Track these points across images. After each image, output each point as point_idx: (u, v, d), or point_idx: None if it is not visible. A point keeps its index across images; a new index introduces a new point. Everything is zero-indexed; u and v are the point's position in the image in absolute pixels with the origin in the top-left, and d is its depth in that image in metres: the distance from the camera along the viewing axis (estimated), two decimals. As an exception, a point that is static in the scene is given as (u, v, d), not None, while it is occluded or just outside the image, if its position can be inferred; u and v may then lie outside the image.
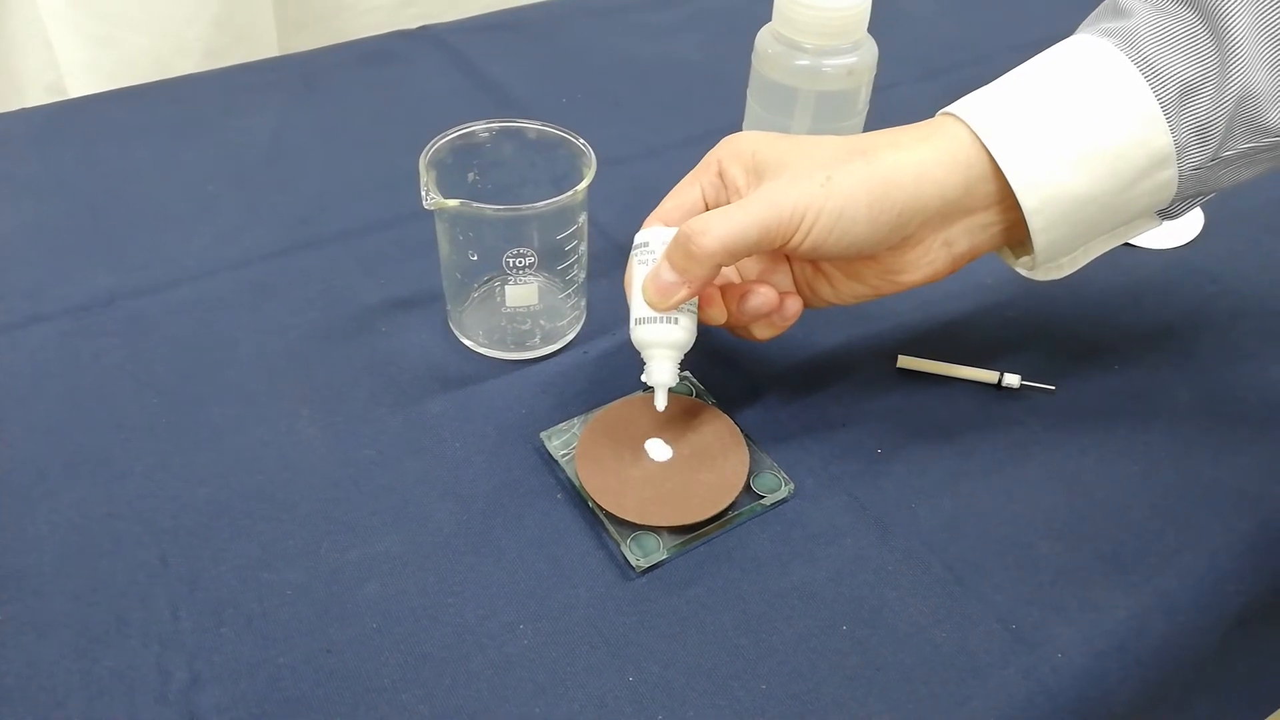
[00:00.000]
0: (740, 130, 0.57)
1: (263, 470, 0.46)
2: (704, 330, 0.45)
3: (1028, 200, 0.40)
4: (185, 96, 0.72)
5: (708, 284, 0.42)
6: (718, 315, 0.45)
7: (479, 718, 0.38)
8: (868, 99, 0.57)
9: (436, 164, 0.48)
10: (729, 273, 0.47)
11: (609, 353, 0.52)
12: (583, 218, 0.49)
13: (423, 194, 0.46)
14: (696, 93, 0.73)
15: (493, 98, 0.72)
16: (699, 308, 0.45)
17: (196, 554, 0.43)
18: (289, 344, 0.52)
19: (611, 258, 0.57)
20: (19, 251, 0.57)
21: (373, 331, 0.53)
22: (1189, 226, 0.61)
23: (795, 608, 0.41)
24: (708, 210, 0.44)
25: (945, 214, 0.42)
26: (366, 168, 0.65)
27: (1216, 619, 0.43)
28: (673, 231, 0.43)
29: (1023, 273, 0.46)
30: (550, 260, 0.49)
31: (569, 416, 0.48)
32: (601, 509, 0.44)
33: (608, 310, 0.54)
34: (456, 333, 0.53)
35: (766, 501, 0.45)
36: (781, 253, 0.45)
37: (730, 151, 0.45)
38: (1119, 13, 0.41)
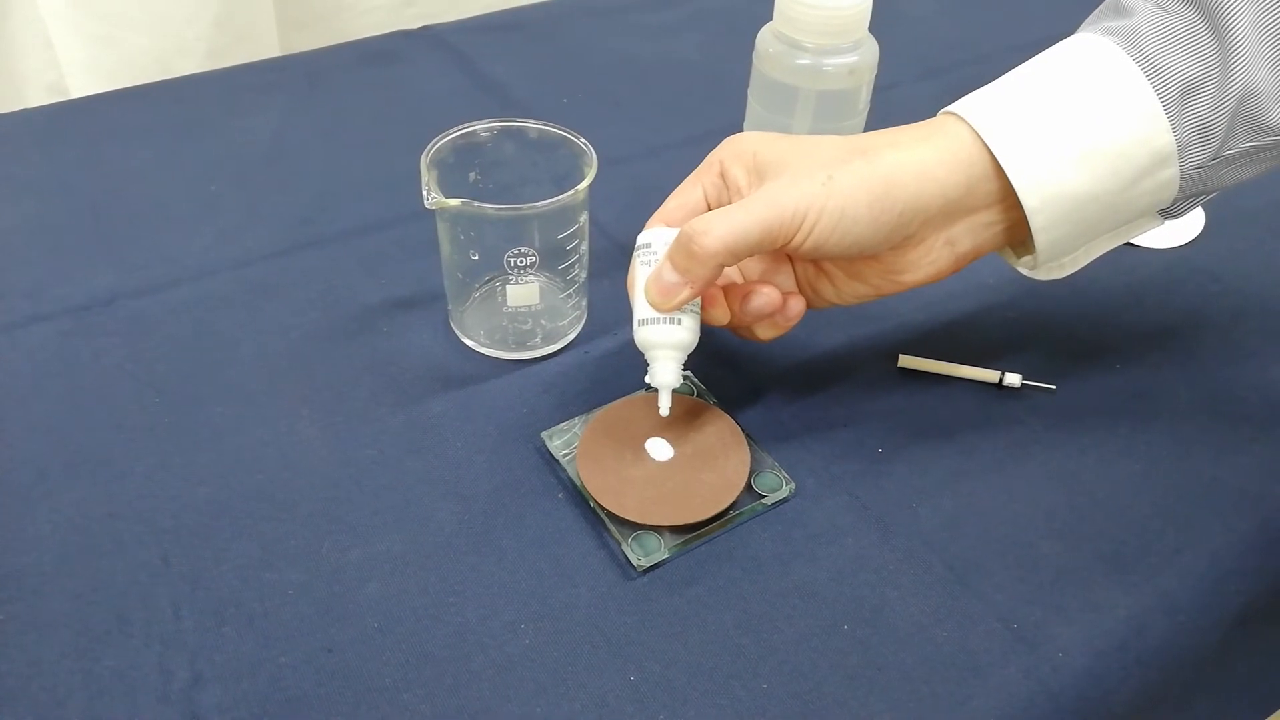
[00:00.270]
0: (741, 130, 0.57)
1: (264, 470, 0.46)
2: (705, 330, 0.45)
3: (1029, 199, 0.40)
4: (186, 96, 0.72)
5: (710, 284, 0.42)
6: (720, 316, 0.45)
7: (480, 717, 0.38)
8: (869, 98, 0.57)
9: (438, 163, 0.48)
10: (731, 273, 0.47)
11: (610, 352, 0.52)
12: (584, 217, 0.49)
13: (424, 193, 0.46)
14: (697, 92, 0.73)
15: (494, 98, 0.72)
16: (702, 308, 0.45)
17: (198, 553, 0.43)
18: (290, 344, 0.52)
19: (613, 257, 0.57)
20: (19, 251, 0.57)
21: (374, 331, 0.53)
22: (1190, 226, 0.61)
23: (796, 607, 0.41)
24: (710, 211, 0.44)
25: (947, 213, 0.42)
26: (368, 168, 0.65)
27: (1217, 619, 0.43)
28: (675, 232, 0.43)
29: (1024, 272, 0.46)
30: (551, 260, 0.49)
31: (570, 416, 0.48)
32: (603, 508, 0.44)
33: (609, 310, 0.54)
34: (458, 332, 0.53)
35: (768, 501, 0.45)
36: (784, 253, 0.45)
37: (732, 152, 0.45)
38: (1120, 11, 0.41)
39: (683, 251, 0.41)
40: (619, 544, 0.43)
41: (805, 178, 0.41)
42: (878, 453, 0.48)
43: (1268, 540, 0.45)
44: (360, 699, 0.38)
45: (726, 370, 0.51)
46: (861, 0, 0.52)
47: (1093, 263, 0.46)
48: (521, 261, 0.48)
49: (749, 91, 0.58)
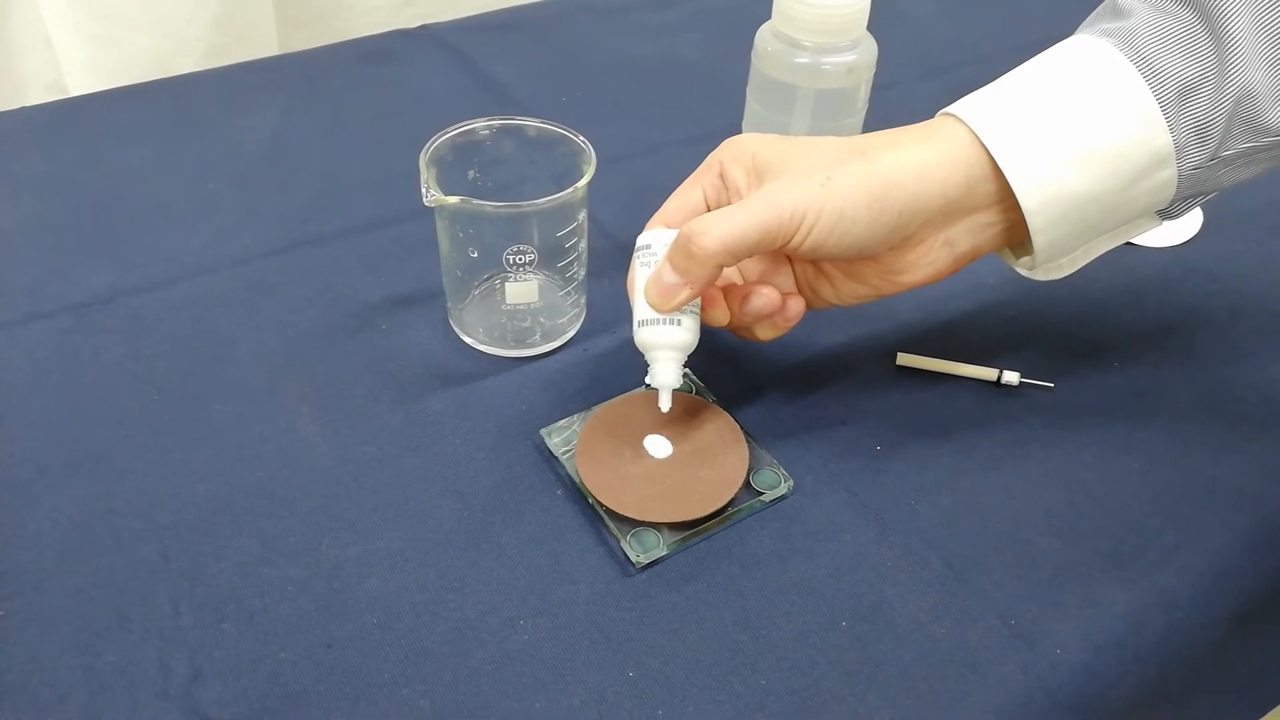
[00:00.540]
0: (740, 129, 0.57)
1: (263, 467, 0.46)
2: (705, 330, 0.45)
3: (1028, 200, 0.40)
4: (186, 95, 0.72)
5: (709, 285, 0.42)
6: (720, 316, 0.45)
7: (479, 713, 0.38)
8: (867, 97, 0.57)
9: (437, 161, 0.48)
10: (731, 274, 0.47)
11: (609, 350, 0.52)
12: (583, 215, 0.49)
13: (423, 191, 0.46)
14: (696, 92, 0.73)
15: (493, 97, 0.72)
16: (701, 309, 0.45)
17: (197, 550, 0.43)
18: (289, 341, 0.52)
19: (612, 256, 0.57)
20: (19, 249, 0.57)
21: (373, 329, 0.53)
22: (1188, 225, 0.61)
23: (795, 604, 0.41)
24: (709, 212, 0.44)
25: (946, 214, 0.42)
26: (367, 166, 0.65)
27: (1215, 616, 0.43)
28: (674, 233, 0.43)
29: (1023, 273, 0.46)
30: (550, 258, 0.49)
31: (569, 413, 0.48)
32: (601, 505, 0.44)
33: (608, 308, 0.54)
34: (457, 330, 0.53)
35: (766, 498, 0.45)
36: (783, 253, 0.45)
37: (731, 153, 0.45)
38: (1118, 13, 0.42)
39: (682, 252, 0.41)
40: (618, 541, 0.43)
41: (804, 179, 0.41)
42: (876, 450, 0.48)
43: (1266, 538, 0.45)
44: (359, 695, 0.38)
45: (726, 368, 0.51)
46: (860, -1, 0.53)
47: (1091, 262, 0.46)
48: (520, 259, 0.48)
49: (748, 90, 0.58)
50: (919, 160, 0.41)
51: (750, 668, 0.39)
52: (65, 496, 0.44)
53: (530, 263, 0.48)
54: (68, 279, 0.55)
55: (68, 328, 0.53)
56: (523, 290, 0.50)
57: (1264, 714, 0.51)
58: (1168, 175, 0.40)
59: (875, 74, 0.56)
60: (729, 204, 0.44)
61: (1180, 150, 0.40)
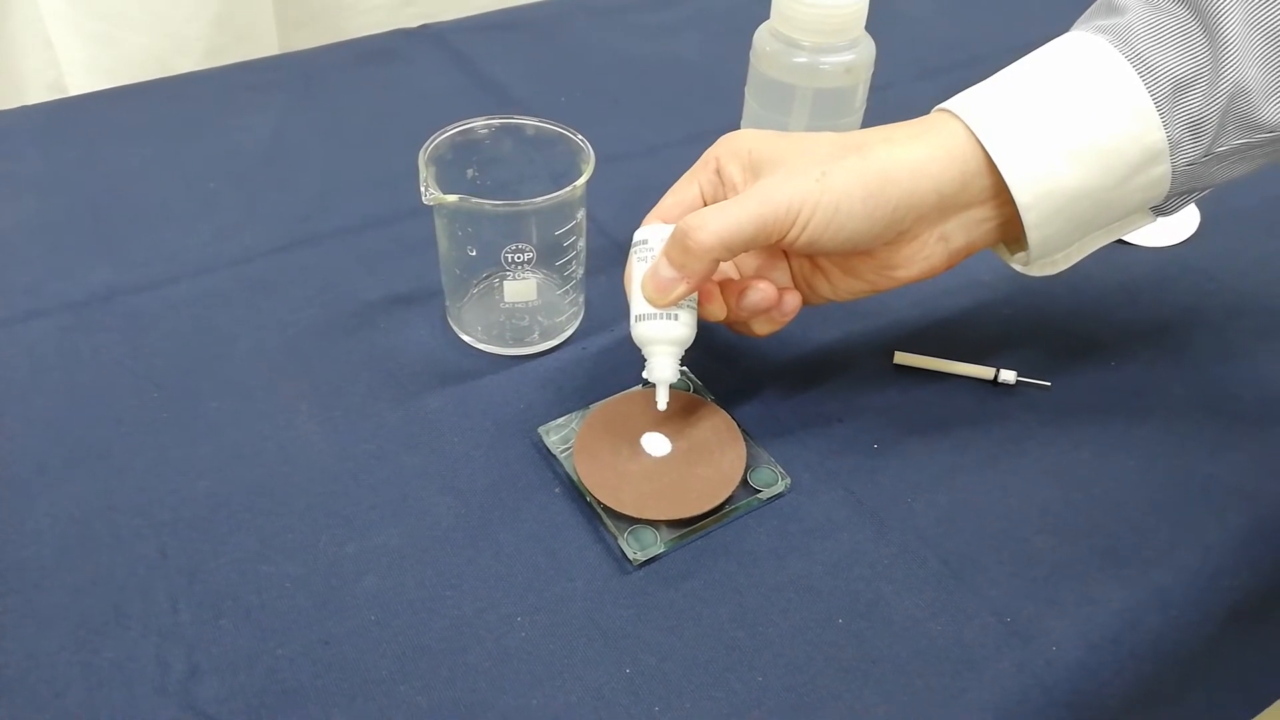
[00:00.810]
0: (738, 128, 0.57)
1: (262, 464, 0.46)
2: (702, 326, 0.45)
3: (1022, 196, 0.41)
4: (185, 95, 0.72)
5: (706, 279, 0.43)
6: (717, 311, 0.45)
7: (476, 709, 0.38)
8: (865, 97, 0.57)
9: (436, 160, 0.49)
10: (728, 269, 0.47)
11: (607, 349, 0.53)
12: (581, 213, 0.49)
13: (422, 189, 0.46)
14: (695, 91, 0.73)
15: (492, 96, 0.72)
16: (698, 304, 0.45)
17: (196, 547, 0.43)
18: (288, 340, 0.52)
19: (610, 255, 0.58)
20: (19, 247, 0.58)
21: (372, 327, 0.53)
22: (1185, 225, 0.61)
23: (791, 601, 0.42)
24: (706, 207, 0.44)
25: (941, 209, 0.42)
26: (366, 165, 0.65)
27: (1211, 613, 0.43)
28: (671, 228, 0.43)
29: (1018, 268, 0.46)
30: (549, 256, 0.49)
31: (567, 412, 0.48)
32: (599, 503, 0.44)
33: (606, 307, 0.54)
34: (455, 329, 0.53)
35: (763, 496, 0.45)
36: (779, 249, 0.45)
37: (728, 149, 0.45)
38: (1113, 10, 0.42)
39: (678, 247, 0.42)
40: (615, 538, 0.43)
41: (799, 174, 0.41)
42: (873, 448, 0.48)
43: (1261, 536, 0.45)
44: (357, 691, 0.38)
45: (723, 366, 0.51)
46: (858, -1, 0.53)
47: (1088, 261, 0.47)
48: (519, 258, 0.48)
49: (746, 90, 0.58)
50: (914, 156, 0.41)
51: (747, 665, 0.39)
52: (64, 493, 0.45)
53: (529, 261, 0.49)
54: (67, 277, 0.56)
55: (67, 326, 0.53)
56: (521, 289, 0.50)
57: (1259, 711, 0.51)
58: (1161, 171, 0.41)
59: (873, 74, 0.56)
60: (725, 199, 0.44)
61: (1174, 146, 0.40)
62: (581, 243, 0.50)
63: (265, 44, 1.05)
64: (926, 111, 0.44)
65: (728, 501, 0.44)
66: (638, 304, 0.44)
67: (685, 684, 0.39)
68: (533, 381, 0.51)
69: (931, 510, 0.45)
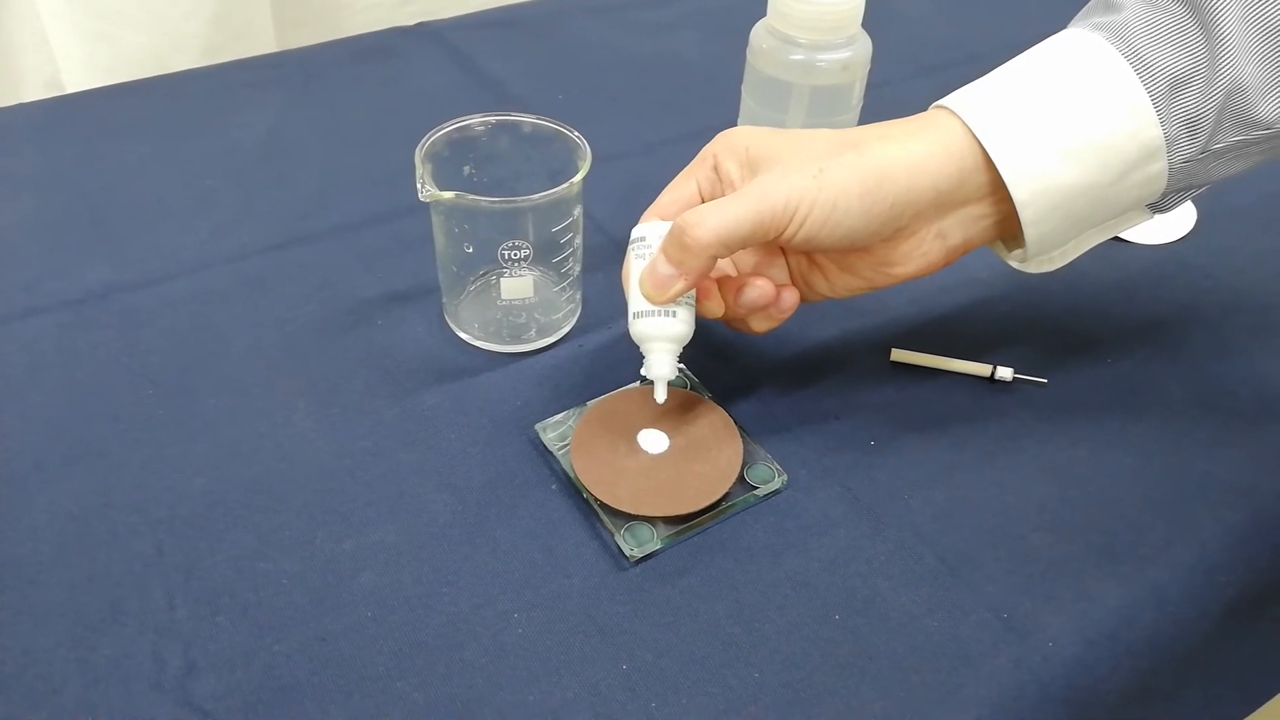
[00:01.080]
0: (735, 125, 0.57)
1: (259, 461, 0.46)
2: (700, 323, 0.45)
3: (1019, 192, 0.41)
4: (183, 93, 0.72)
5: (703, 276, 0.43)
6: (715, 308, 0.45)
7: (473, 706, 0.38)
8: (862, 94, 0.57)
9: (432, 157, 0.49)
10: (725, 266, 0.47)
11: (604, 346, 0.53)
12: (578, 210, 0.49)
13: (418, 187, 0.46)
14: (692, 89, 0.73)
15: (490, 94, 0.72)
16: (696, 301, 0.45)
17: (192, 544, 0.43)
18: (286, 337, 0.52)
19: (607, 252, 0.58)
20: (16, 245, 0.58)
21: (369, 324, 0.53)
22: (1182, 222, 0.61)
23: (788, 597, 0.42)
24: (703, 204, 0.44)
25: (938, 206, 0.42)
26: (363, 163, 0.65)
27: (1207, 610, 0.43)
28: (668, 225, 0.43)
29: (1015, 265, 0.46)
30: (546, 253, 0.49)
31: (564, 408, 0.48)
32: (596, 499, 0.44)
33: (603, 304, 0.54)
34: (452, 326, 0.53)
35: (760, 492, 0.45)
36: (776, 245, 0.45)
37: (725, 146, 0.45)
38: (1110, 7, 0.42)
39: (676, 244, 0.42)
40: (612, 534, 0.43)
41: (796, 171, 0.41)
42: (870, 445, 0.48)
43: (1257, 533, 0.45)
44: (354, 688, 0.38)
45: (720, 363, 0.51)
46: (854, -4, 0.53)
47: (1085, 258, 0.47)
48: (516, 255, 0.48)
49: (743, 87, 0.58)
50: (911, 152, 0.41)
51: (744, 661, 0.40)
52: (61, 490, 0.45)
53: (525, 258, 0.49)
54: (65, 275, 0.56)
55: (65, 323, 0.53)
56: (518, 286, 0.50)
57: (1255, 707, 0.51)
58: (1158, 168, 0.41)
59: (870, 71, 0.56)
60: (723, 196, 0.44)
61: (1171, 143, 0.40)
62: (578, 240, 0.50)
63: (263, 42, 1.05)
64: (923, 109, 0.44)
65: (724, 498, 0.44)
66: (636, 301, 0.44)
67: (682, 680, 0.39)
68: (530, 378, 0.51)
69: (928, 507, 0.45)
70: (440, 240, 0.50)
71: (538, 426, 0.47)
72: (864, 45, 0.55)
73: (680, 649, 0.40)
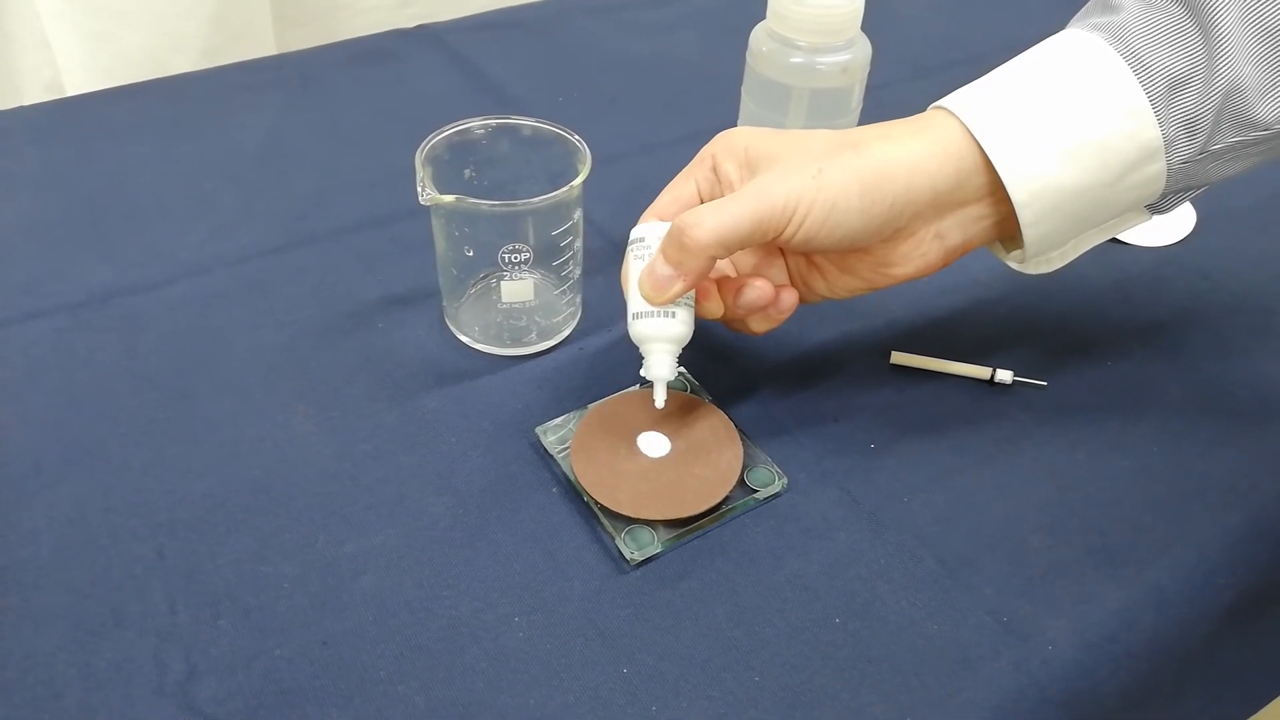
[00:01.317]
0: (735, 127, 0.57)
1: (259, 465, 0.46)
2: (699, 326, 0.45)
3: (1018, 193, 0.41)
4: (182, 95, 0.72)
5: (702, 277, 0.43)
6: (714, 309, 0.45)
7: (474, 709, 0.38)
8: (861, 97, 0.57)
9: (432, 160, 0.49)
10: (725, 266, 0.47)
11: (605, 349, 0.53)
12: (578, 213, 0.49)
13: (419, 189, 0.46)
14: (692, 90, 0.73)
15: (490, 96, 0.72)
16: (695, 301, 0.45)
17: (193, 547, 0.43)
18: (285, 340, 0.52)
19: (608, 255, 0.58)
20: (16, 248, 0.58)
21: (369, 328, 0.53)
22: (1181, 224, 0.61)
23: (788, 600, 0.42)
24: (702, 204, 0.44)
25: (937, 206, 0.42)
26: (363, 165, 0.65)
27: (1207, 612, 0.43)
28: (667, 226, 0.43)
29: (1013, 266, 0.46)
30: (546, 256, 0.49)
31: (564, 411, 0.48)
32: (596, 503, 0.44)
33: (603, 307, 0.54)
34: (453, 329, 0.53)
35: (760, 495, 0.45)
36: (775, 246, 0.45)
37: (724, 146, 0.45)
38: (1108, 8, 0.42)
39: (675, 244, 0.42)
40: (612, 538, 0.43)
41: (795, 171, 0.41)
42: (870, 448, 0.48)
43: (1257, 534, 0.45)
44: (355, 691, 0.38)
45: (720, 366, 0.51)
46: (854, -1, 0.53)
47: (1084, 260, 0.47)
48: (516, 258, 0.48)
49: (743, 89, 0.58)
50: (910, 153, 0.41)
51: (744, 664, 0.40)
52: (61, 494, 0.45)
53: (526, 261, 0.49)
54: (64, 278, 0.56)
55: (64, 326, 0.53)
56: (518, 289, 0.50)
57: (1255, 710, 0.51)
58: (1157, 169, 0.41)
59: (869, 74, 0.56)
60: (722, 197, 0.44)
61: (1169, 144, 0.40)
62: (579, 243, 0.50)
63: (262, 43, 1.05)
64: (923, 111, 0.44)
65: (724, 501, 0.44)
66: (635, 302, 0.44)
67: (682, 684, 0.39)
68: (530, 382, 0.51)
69: (928, 510, 0.45)
70: (440, 243, 0.50)
71: (538, 430, 0.47)
72: (863, 48, 0.55)
73: (681, 652, 0.40)
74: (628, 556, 0.42)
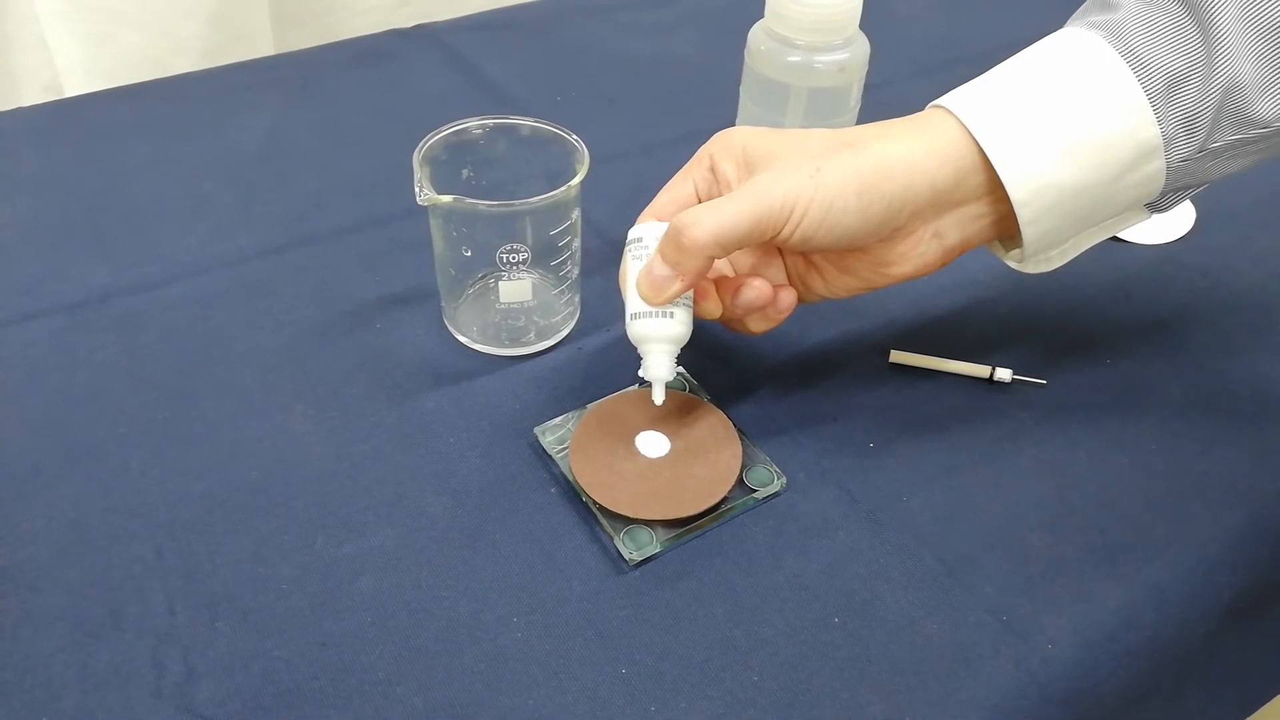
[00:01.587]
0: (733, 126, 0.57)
1: (258, 465, 0.46)
2: (697, 326, 0.45)
3: (1017, 192, 0.41)
4: (181, 95, 0.72)
5: (700, 277, 0.43)
6: (712, 309, 0.45)
7: (472, 710, 0.38)
8: (859, 96, 0.57)
9: (430, 160, 0.49)
10: (723, 266, 0.47)
11: (603, 349, 0.53)
12: (576, 213, 0.49)
13: (416, 190, 0.46)
14: (690, 90, 0.73)
15: (488, 96, 0.72)
16: (694, 301, 0.45)
17: (192, 548, 0.43)
18: (284, 340, 0.52)
19: (606, 255, 0.58)
20: (15, 248, 0.58)
21: (368, 328, 0.53)
22: (1181, 222, 0.61)
23: (787, 600, 0.42)
24: (700, 204, 0.44)
25: (936, 205, 0.42)
26: (362, 165, 0.65)
27: (1206, 611, 0.43)
28: (665, 226, 0.43)
29: (1013, 265, 0.46)
30: (544, 256, 0.49)
31: (563, 412, 0.48)
32: (595, 503, 0.44)
33: (602, 307, 0.54)
34: (451, 329, 0.53)
35: (759, 495, 0.45)
36: (773, 246, 0.45)
37: (722, 146, 0.45)
38: (1106, 6, 0.42)
39: (672, 244, 0.42)
40: (611, 538, 0.43)
41: (793, 170, 0.41)
42: (869, 447, 0.48)
43: (1256, 533, 0.45)
44: (353, 692, 0.38)
45: (718, 365, 0.51)
46: (852, -3, 0.53)
47: (1083, 258, 0.47)
48: (514, 258, 0.48)
49: (741, 89, 0.58)
50: (908, 152, 0.41)
51: (743, 664, 0.40)
52: (60, 495, 0.45)
53: (524, 261, 0.49)
54: (63, 278, 0.56)
55: (63, 327, 0.53)
56: (517, 289, 0.50)
57: (1255, 709, 0.51)
58: (1156, 167, 0.41)
59: (867, 73, 0.56)
60: (720, 196, 0.44)
61: (1168, 142, 0.40)
62: (577, 243, 0.50)
63: (261, 44, 1.05)
64: (921, 110, 0.44)
65: (723, 501, 0.44)
66: (633, 302, 0.44)
67: (681, 683, 0.39)
68: (528, 382, 0.51)
69: (927, 509, 0.45)
70: (439, 244, 0.50)
71: (537, 430, 0.47)
72: (861, 46, 0.55)
73: (679, 652, 0.40)
74: (626, 556, 0.42)
